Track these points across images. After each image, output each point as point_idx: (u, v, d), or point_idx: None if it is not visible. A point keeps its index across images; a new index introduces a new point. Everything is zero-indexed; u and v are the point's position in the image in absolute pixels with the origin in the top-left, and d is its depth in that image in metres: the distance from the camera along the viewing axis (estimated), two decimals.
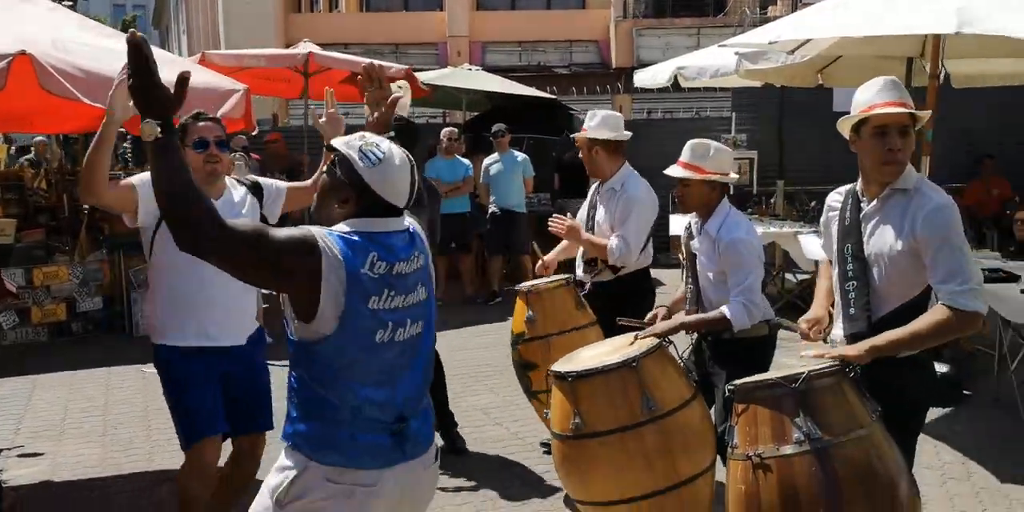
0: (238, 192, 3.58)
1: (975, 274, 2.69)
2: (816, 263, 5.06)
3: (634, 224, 4.42)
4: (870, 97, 2.79)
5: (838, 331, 2.95)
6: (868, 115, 2.76)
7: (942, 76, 7.92)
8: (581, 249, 4.69)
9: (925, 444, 5.04)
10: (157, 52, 5.78)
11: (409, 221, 2.38)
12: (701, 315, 3.70)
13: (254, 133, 6.37)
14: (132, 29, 2.26)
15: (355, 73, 9.51)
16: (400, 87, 5.87)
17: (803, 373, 2.56)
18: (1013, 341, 5.55)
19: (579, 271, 4.67)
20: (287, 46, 13.08)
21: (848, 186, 3.00)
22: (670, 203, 8.37)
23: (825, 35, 6.10)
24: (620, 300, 4.42)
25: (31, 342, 7.86)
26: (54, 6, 5.24)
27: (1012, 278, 5.27)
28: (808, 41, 6.61)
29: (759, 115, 11.24)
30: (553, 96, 12.02)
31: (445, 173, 9.14)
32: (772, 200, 9.50)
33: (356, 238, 2.19)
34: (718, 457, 3.36)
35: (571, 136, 5.22)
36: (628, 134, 4.58)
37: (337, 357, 2.19)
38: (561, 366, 3.57)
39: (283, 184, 3.72)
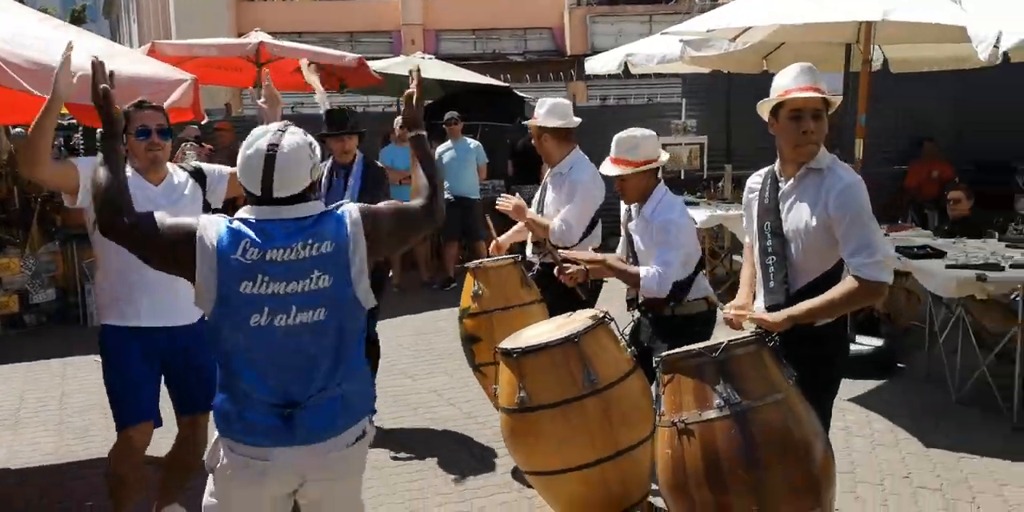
0: (179, 177, 3.63)
1: (882, 247, 2.88)
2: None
3: (577, 206, 4.57)
4: (786, 82, 2.97)
5: (759, 304, 3.13)
6: (784, 99, 2.93)
7: (880, 61, 8.24)
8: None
9: (858, 414, 5.29)
10: (105, 44, 5.79)
11: (343, 209, 2.41)
12: (624, 265, 3.88)
13: (204, 122, 6.40)
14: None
15: (311, 62, 9.58)
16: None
17: (723, 343, 2.73)
18: (946, 317, 5.79)
19: (529, 252, 4.85)
20: (239, 35, 12.98)
21: (767, 168, 3.17)
22: None
23: (760, 23, 6.30)
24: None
25: None
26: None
27: (938, 255, 5.50)
28: (748, 29, 6.81)
29: (708, 101, 11.45)
30: (506, 84, 12.12)
31: (399, 160, 9.23)
32: (720, 184, 9.70)
33: (237, 225, 2.32)
34: None
35: (523, 123, 5.37)
36: (577, 120, 4.73)
37: (219, 337, 2.35)
38: (508, 343, 3.74)
39: (227, 169, 3.75)
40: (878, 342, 6.20)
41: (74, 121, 8.58)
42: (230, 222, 2.34)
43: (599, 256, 3.85)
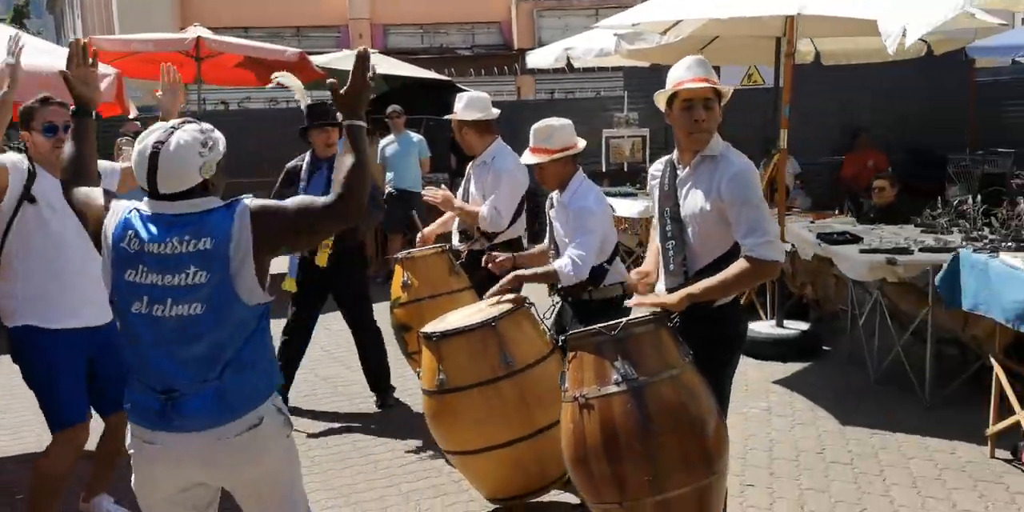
0: None
1: (772, 229, 3.03)
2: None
3: (504, 193, 4.71)
4: (679, 74, 3.11)
5: (661, 286, 3.27)
6: (676, 90, 3.08)
7: (813, 55, 8.47)
8: (457, 221, 4.97)
9: (781, 395, 5.48)
10: (36, 41, 5.74)
11: (238, 204, 2.38)
12: (536, 269, 4.00)
13: (131, 116, 6.41)
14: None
15: (249, 57, 9.56)
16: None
17: (621, 322, 2.86)
18: (865, 300, 5.99)
19: (455, 240, 4.96)
20: (183, 30, 12.90)
21: (667, 156, 3.31)
22: None
23: (685, 17, 6.45)
24: None
25: None
26: None
27: (855, 240, 5.70)
28: (679, 23, 6.96)
29: (649, 94, 11.53)
30: (449, 78, 12.20)
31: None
32: None
33: (132, 215, 2.41)
34: None
35: (445, 117, 5.49)
36: (496, 112, 4.85)
37: (117, 320, 2.47)
38: (430, 327, 3.85)
39: (120, 164, 3.83)
40: (804, 326, 6.41)
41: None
42: (129, 211, 2.42)
43: (510, 276, 3.92)
